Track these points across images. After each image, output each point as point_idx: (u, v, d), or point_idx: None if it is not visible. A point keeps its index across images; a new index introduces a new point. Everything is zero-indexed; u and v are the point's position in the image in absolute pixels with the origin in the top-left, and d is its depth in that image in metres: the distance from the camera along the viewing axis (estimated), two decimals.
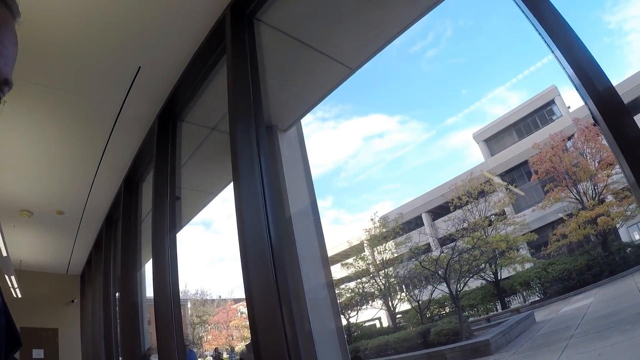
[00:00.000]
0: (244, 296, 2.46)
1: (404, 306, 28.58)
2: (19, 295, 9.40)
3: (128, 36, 3.56)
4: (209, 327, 41.76)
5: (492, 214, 28.34)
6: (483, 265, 23.94)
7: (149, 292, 5.51)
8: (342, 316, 26.50)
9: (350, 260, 30.81)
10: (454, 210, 29.77)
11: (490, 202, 28.55)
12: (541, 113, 34.16)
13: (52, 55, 3.59)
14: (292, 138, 4.35)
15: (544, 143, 26.83)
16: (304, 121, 4.48)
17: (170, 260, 3.89)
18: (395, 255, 30.10)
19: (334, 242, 36.13)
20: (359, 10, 3.48)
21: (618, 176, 21.34)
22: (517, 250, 26.53)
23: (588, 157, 24.34)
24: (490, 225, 27.39)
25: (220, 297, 45.10)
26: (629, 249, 21.35)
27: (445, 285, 20.45)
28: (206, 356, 39.62)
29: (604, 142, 19.76)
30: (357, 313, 29.00)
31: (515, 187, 30.70)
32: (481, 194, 28.94)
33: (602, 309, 13.41)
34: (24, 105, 4.13)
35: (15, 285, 9.08)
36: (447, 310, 26.65)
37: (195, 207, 6.14)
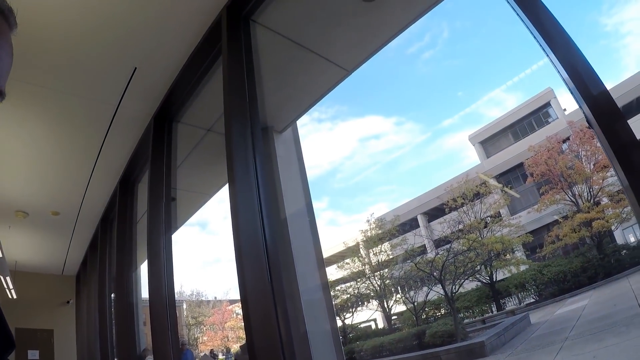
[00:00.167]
0: (239, 297, 2.46)
1: (399, 308, 28.62)
2: (15, 296, 9.38)
3: (124, 36, 3.55)
4: (204, 328, 41.69)
5: (487, 216, 28.40)
6: (478, 267, 24.02)
7: (145, 292, 5.50)
8: (337, 317, 26.48)
9: (347, 261, 30.82)
10: (449, 212, 29.88)
11: (485, 204, 28.62)
12: (537, 115, 34.30)
13: (47, 55, 3.58)
14: (287, 139, 4.36)
15: (539, 145, 26.91)
16: (300, 122, 4.50)
17: (165, 261, 3.89)
18: (391, 256, 30.13)
19: (330, 244, 36.18)
20: (355, 12, 3.48)
21: (613, 179, 21.42)
22: (513, 252, 26.61)
23: (583, 160, 24.43)
24: (485, 227, 27.46)
25: (215, 298, 45.03)
26: (624, 251, 21.45)
27: (441, 286, 20.48)
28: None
29: (599, 144, 19.80)
30: (353, 314, 29.00)
31: (511, 189, 30.79)
32: (477, 196, 29.03)
33: (597, 311, 13.45)
34: (19, 106, 4.12)
35: (11, 286, 9.06)
36: (443, 311, 26.74)
37: (191, 208, 6.13)
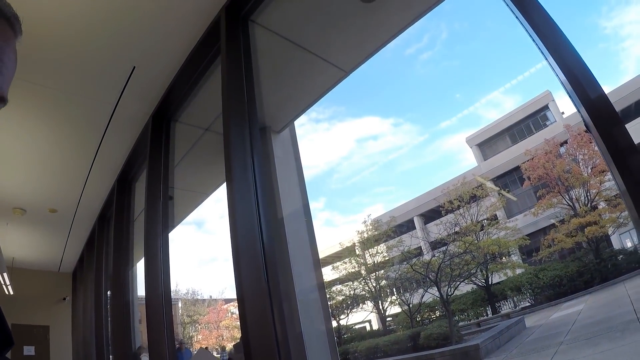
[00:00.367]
0: (234, 296, 2.47)
1: (395, 309, 28.61)
2: (11, 293, 9.38)
3: (123, 35, 3.56)
4: (199, 327, 41.65)
5: (484, 219, 28.44)
6: (474, 269, 24.00)
7: (141, 291, 5.51)
8: (332, 318, 26.50)
9: (344, 260, 30.81)
10: (445, 214, 29.89)
11: (482, 206, 28.65)
12: (535, 118, 34.31)
13: (46, 54, 3.59)
14: (285, 140, 4.37)
15: (536, 149, 26.94)
16: (297, 122, 4.50)
17: (162, 259, 3.90)
18: (387, 258, 30.12)
19: (326, 244, 36.14)
20: (353, 13, 3.49)
21: (611, 183, 21.42)
22: (509, 256, 26.64)
23: (581, 164, 24.44)
24: (482, 229, 27.49)
25: (211, 297, 44.96)
26: (621, 256, 21.46)
27: (436, 289, 20.48)
28: None
29: (597, 148, 19.88)
30: (348, 315, 28.99)
31: (508, 192, 30.85)
32: (473, 199, 29.05)
33: (593, 316, 13.47)
34: (18, 104, 4.12)
35: (7, 283, 9.06)
36: (438, 314, 26.74)
37: (188, 207, 6.14)
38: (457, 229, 27.26)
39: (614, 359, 8.03)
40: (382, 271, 29.10)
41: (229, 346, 35.04)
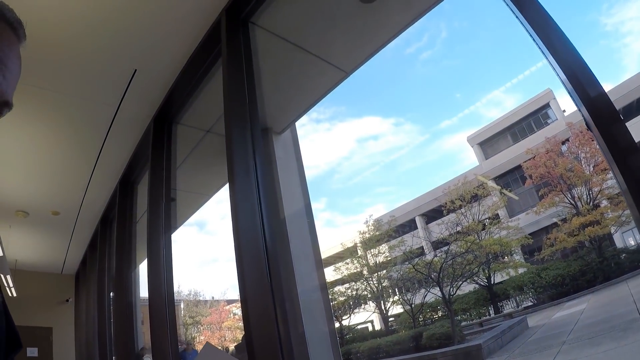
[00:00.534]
0: (236, 297, 2.49)
1: (397, 309, 28.62)
2: (14, 294, 9.39)
3: (124, 39, 3.57)
4: (201, 328, 41.65)
5: (485, 218, 28.42)
6: (476, 269, 23.99)
7: (143, 292, 5.52)
8: (334, 319, 26.48)
9: (346, 261, 30.80)
10: (447, 214, 29.88)
11: (483, 205, 28.63)
12: (536, 117, 34.30)
13: (48, 57, 3.60)
14: (286, 141, 4.38)
15: (538, 147, 26.90)
16: (298, 123, 4.51)
17: (165, 261, 3.91)
18: (389, 258, 30.12)
19: (328, 245, 36.14)
20: (353, 14, 3.50)
21: (613, 181, 21.35)
22: (511, 255, 26.61)
23: (583, 162, 24.41)
24: (483, 229, 27.47)
25: (213, 298, 44.97)
26: (624, 254, 21.42)
27: (438, 289, 20.49)
28: None
29: (599, 147, 19.71)
30: (350, 316, 28.99)
31: (510, 191, 30.83)
32: (474, 198, 29.03)
33: (595, 315, 13.46)
34: (20, 107, 4.12)
35: (11, 285, 9.08)
36: (440, 314, 26.73)
37: (190, 209, 6.15)
38: (458, 228, 27.25)
39: (616, 358, 8.02)
40: (384, 271, 29.10)
41: (231, 347, 35.03)
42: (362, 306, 29.43)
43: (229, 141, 2.84)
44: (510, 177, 33.28)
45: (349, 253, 31.80)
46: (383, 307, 28.65)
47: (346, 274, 30.37)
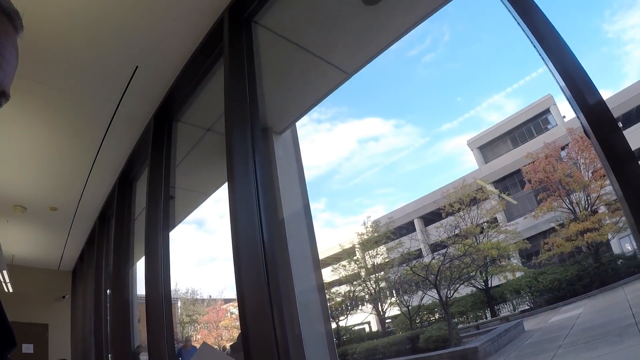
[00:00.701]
0: (234, 296, 2.49)
1: (394, 311, 28.60)
2: (10, 290, 9.38)
3: (126, 35, 3.57)
4: (198, 327, 41.61)
5: (484, 222, 28.43)
6: (474, 272, 23.99)
7: (140, 289, 5.52)
8: (331, 319, 26.49)
9: (343, 263, 30.78)
10: (446, 217, 29.88)
11: (482, 209, 28.66)
12: (536, 122, 34.34)
13: (49, 52, 3.60)
14: (287, 141, 4.38)
15: (538, 152, 26.94)
16: (299, 123, 4.51)
17: (162, 258, 3.91)
18: (387, 260, 30.12)
19: (326, 245, 36.09)
20: (356, 15, 3.50)
21: (611, 187, 21.32)
22: (508, 259, 26.62)
23: (582, 168, 24.43)
24: (482, 232, 27.49)
25: (210, 296, 44.90)
26: (620, 260, 21.45)
27: (436, 291, 20.48)
28: None
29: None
30: (347, 317, 28.98)
31: (508, 195, 30.82)
32: (473, 201, 29.05)
33: (591, 320, 13.48)
34: (20, 102, 4.14)
35: (7, 280, 9.06)
36: (437, 316, 26.71)
37: (189, 207, 6.15)
38: (457, 231, 27.25)
39: None
40: (382, 273, 29.10)
41: (228, 346, 34.99)
42: (360, 307, 29.41)
43: (229, 140, 2.84)
44: (509, 182, 33.29)
45: (347, 254, 31.77)
46: (380, 309, 28.65)
47: (344, 275, 30.34)
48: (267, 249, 2.57)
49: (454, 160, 61.68)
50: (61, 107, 4.40)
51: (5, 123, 4.51)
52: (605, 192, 22.73)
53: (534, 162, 26.58)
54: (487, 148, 37.34)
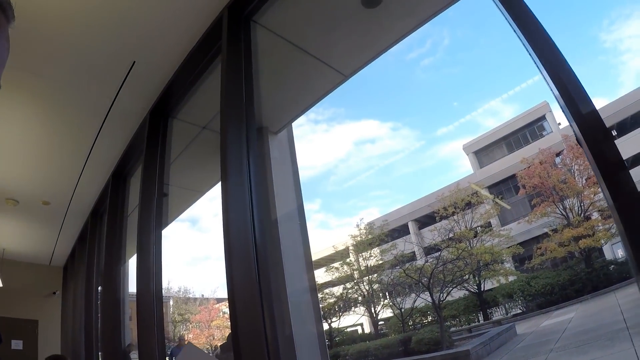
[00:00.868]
0: (226, 296, 2.48)
1: (387, 313, 28.64)
2: (0, 285, 9.32)
3: (125, 30, 3.56)
4: (190, 326, 41.49)
5: (478, 226, 28.50)
6: (467, 276, 24.06)
7: (132, 287, 5.50)
8: (323, 321, 26.49)
9: (335, 265, 30.79)
10: (440, 220, 29.94)
11: (476, 213, 28.73)
12: (532, 128, 34.50)
13: (46, 44, 3.58)
14: (282, 141, 4.38)
15: (533, 158, 27.05)
16: (296, 122, 4.51)
17: (154, 256, 3.89)
18: (380, 262, 30.15)
19: (320, 246, 36.11)
20: (356, 18, 3.50)
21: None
22: (502, 263, 26.69)
23: (576, 174, 24.55)
24: (475, 236, 27.56)
25: (203, 295, 44.80)
26: (612, 266, 21.56)
27: (429, 294, 20.50)
28: None
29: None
30: (339, 318, 28.98)
31: (502, 199, 30.91)
32: (468, 206, 29.12)
33: (583, 324, 13.53)
34: (14, 93, 4.11)
35: None
36: (429, 319, 26.74)
37: (183, 205, 6.13)
38: (451, 235, 27.31)
39: None
40: (375, 275, 29.12)
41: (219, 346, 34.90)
42: (352, 309, 29.42)
43: (224, 139, 2.83)
44: (503, 186, 33.41)
45: (340, 256, 31.78)
46: (373, 311, 28.68)
47: (337, 277, 30.34)
48: (259, 248, 2.56)
49: (450, 164, 61.91)
50: (56, 100, 4.37)
51: None
52: (598, 199, 22.83)
53: (528, 167, 26.68)
54: (482, 153, 37.48)
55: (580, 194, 23.72)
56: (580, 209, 23.90)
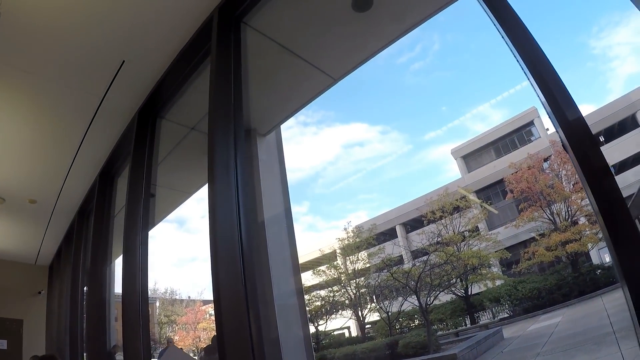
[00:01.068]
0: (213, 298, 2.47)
1: (374, 317, 28.65)
2: None
3: (114, 29, 3.54)
4: (176, 328, 41.26)
5: (465, 230, 28.62)
6: (454, 280, 24.14)
7: (118, 288, 5.46)
8: (310, 324, 26.44)
9: (322, 268, 30.77)
10: (427, 224, 30.04)
11: (464, 218, 28.85)
12: (520, 133, 34.72)
13: (35, 41, 3.56)
14: (270, 143, 4.37)
15: (521, 162, 27.24)
16: (285, 125, 4.51)
17: (140, 257, 3.87)
18: (368, 265, 30.17)
19: (307, 249, 36.09)
20: (346, 21, 3.51)
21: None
22: (489, 267, 26.81)
23: (563, 180, 24.75)
24: (463, 240, 27.67)
25: (189, 297, 44.55)
26: (599, 270, 21.74)
27: (416, 298, 20.54)
28: None
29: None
30: (326, 321, 28.95)
31: (490, 204, 31.07)
32: (456, 210, 29.24)
33: (570, 328, 13.63)
34: (1, 90, 4.09)
35: None
36: (417, 323, 26.80)
37: (170, 206, 6.09)
38: (438, 239, 27.40)
39: None
40: (362, 278, 29.13)
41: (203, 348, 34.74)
42: (339, 312, 29.40)
43: (211, 140, 2.83)
44: (491, 191, 33.61)
45: (327, 259, 31.76)
46: (360, 314, 28.67)
47: (324, 280, 30.32)
48: (246, 251, 2.55)
49: (438, 168, 62.20)
50: (44, 98, 4.34)
51: None
52: (586, 204, 23.02)
53: (516, 172, 26.86)
54: (470, 157, 37.67)
55: (568, 199, 23.92)
56: (567, 213, 24.10)
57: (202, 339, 38.11)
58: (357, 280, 29.11)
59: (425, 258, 23.86)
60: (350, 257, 30.47)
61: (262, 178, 3.93)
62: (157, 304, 41.45)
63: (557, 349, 11.01)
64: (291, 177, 4.25)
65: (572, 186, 24.10)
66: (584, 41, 44.40)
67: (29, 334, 10.15)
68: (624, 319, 11.45)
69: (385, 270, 25.72)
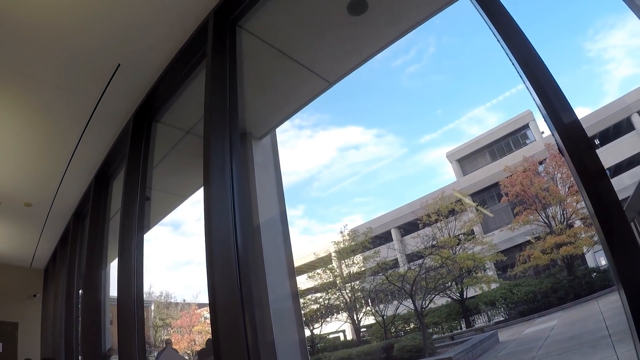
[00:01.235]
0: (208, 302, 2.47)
1: (369, 320, 28.60)
2: None
3: (110, 32, 3.55)
4: (171, 331, 41.10)
5: (461, 233, 28.61)
6: (449, 283, 24.13)
7: (113, 291, 5.44)
8: (305, 327, 26.40)
9: (318, 271, 30.72)
10: (423, 228, 30.03)
11: (460, 221, 28.86)
12: (515, 137, 34.74)
13: (31, 44, 3.56)
14: (266, 147, 4.38)
15: (515, 166, 27.27)
16: (280, 128, 4.52)
17: (136, 260, 3.86)
18: (363, 269, 30.12)
19: (302, 253, 36.00)
20: (341, 25, 3.52)
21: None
22: (484, 271, 26.82)
23: (559, 183, 24.77)
24: (458, 244, 27.66)
25: (184, 300, 44.39)
26: (595, 274, 21.72)
27: (411, 301, 20.52)
28: None
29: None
30: (322, 325, 28.89)
31: (485, 208, 31.08)
32: (451, 213, 29.24)
33: (566, 332, 13.63)
34: None
35: None
36: (412, 326, 26.76)
37: (165, 209, 6.09)
38: (434, 242, 27.40)
39: None
40: (358, 282, 29.09)
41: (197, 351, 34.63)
42: (335, 315, 29.34)
43: (207, 144, 2.83)
44: (487, 194, 33.58)
45: (322, 263, 31.69)
46: (355, 318, 28.62)
47: (319, 283, 30.27)
48: (241, 254, 2.55)
49: (434, 172, 62.11)
50: (40, 101, 4.34)
51: None
52: (581, 207, 23.05)
53: (511, 175, 26.88)
54: (465, 161, 37.67)
55: (563, 202, 23.93)
56: (562, 216, 24.11)
57: (197, 342, 37.99)
58: (353, 283, 29.05)
59: (420, 261, 23.83)
60: (346, 260, 30.42)
61: (257, 181, 3.94)
62: (152, 307, 41.29)
63: (553, 352, 11.00)
64: (286, 180, 4.25)
65: (567, 189, 24.10)
66: (579, 44, 44.51)
67: (24, 337, 10.12)
68: (619, 322, 11.46)
69: (381, 274, 25.68)
